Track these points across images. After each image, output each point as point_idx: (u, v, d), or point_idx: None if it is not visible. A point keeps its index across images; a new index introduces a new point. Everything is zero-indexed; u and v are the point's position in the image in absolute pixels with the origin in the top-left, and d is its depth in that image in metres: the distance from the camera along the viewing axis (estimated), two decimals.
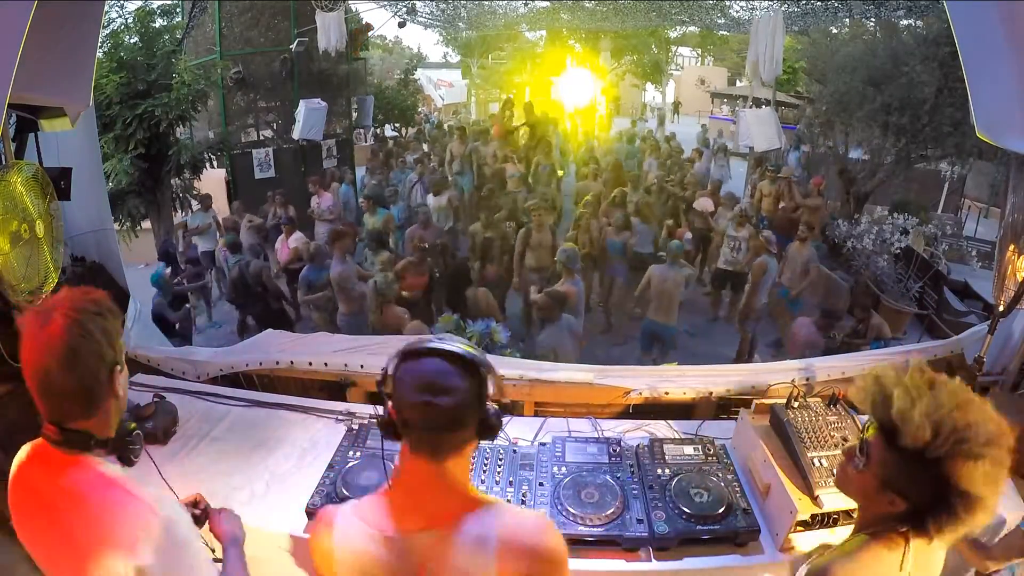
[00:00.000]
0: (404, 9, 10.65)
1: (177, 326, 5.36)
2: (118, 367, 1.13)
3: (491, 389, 1.04)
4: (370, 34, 12.16)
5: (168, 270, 5.82)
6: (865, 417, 1.13)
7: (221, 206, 8.62)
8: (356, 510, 1.11)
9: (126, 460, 1.17)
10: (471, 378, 1.01)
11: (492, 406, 1.06)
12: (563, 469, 1.95)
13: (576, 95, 15.34)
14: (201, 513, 1.37)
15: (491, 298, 5.15)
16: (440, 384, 0.99)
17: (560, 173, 8.45)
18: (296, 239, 6.29)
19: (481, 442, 1.11)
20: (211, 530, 1.36)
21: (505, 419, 2.31)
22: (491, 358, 2.73)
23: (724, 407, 2.56)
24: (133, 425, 1.19)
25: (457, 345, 1.02)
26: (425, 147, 11.12)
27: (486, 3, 12.33)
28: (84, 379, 1.06)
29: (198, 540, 1.15)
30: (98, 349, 1.07)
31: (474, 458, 1.97)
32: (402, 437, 1.04)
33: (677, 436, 2.23)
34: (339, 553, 1.08)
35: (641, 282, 5.18)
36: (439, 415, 0.99)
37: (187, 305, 5.88)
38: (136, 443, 1.20)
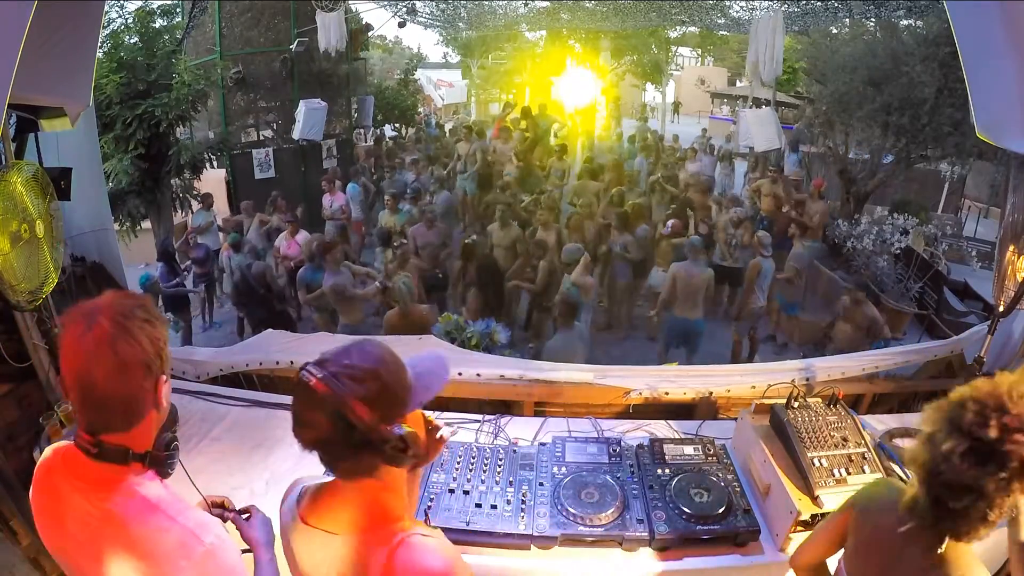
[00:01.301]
0: (404, 9, 10.64)
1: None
2: (163, 377, 1.06)
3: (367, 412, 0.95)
4: (370, 34, 12.16)
5: (158, 274, 5.82)
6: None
7: (221, 206, 8.62)
8: (303, 493, 1.13)
9: (162, 473, 1.12)
10: (334, 409, 0.94)
11: (392, 429, 0.97)
12: (563, 469, 1.95)
13: (576, 95, 15.33)
14: (227, 515, 1.31)
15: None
16: (299, 416, 0.98)
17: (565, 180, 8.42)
18: (303, 237, 6.30)
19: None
20: (242, 537, 1.30)
21: (505, 419, 2.33)
22: (491, 358, 2.72)
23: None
24: (173, 436, 1.14)
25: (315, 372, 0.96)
26: (421, 147, 11.11)
27: (486, 3, 12.32)
28: (129, 389, 1.00)
29: (242, 564, 1.12)
30: (145, 359, 1.00)
31: (474, 458, 1.98)
32: None
33: (677, 436, 2.23)
34: (279, 526, 1.15)
35: (666, 284, 5.08)
36: (305, 444, 0.99)
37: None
38: (174, 456, 1.15)
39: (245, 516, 1.32)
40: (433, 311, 4.41)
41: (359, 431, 0.94)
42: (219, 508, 1.30)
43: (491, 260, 5.29)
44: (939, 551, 1.15)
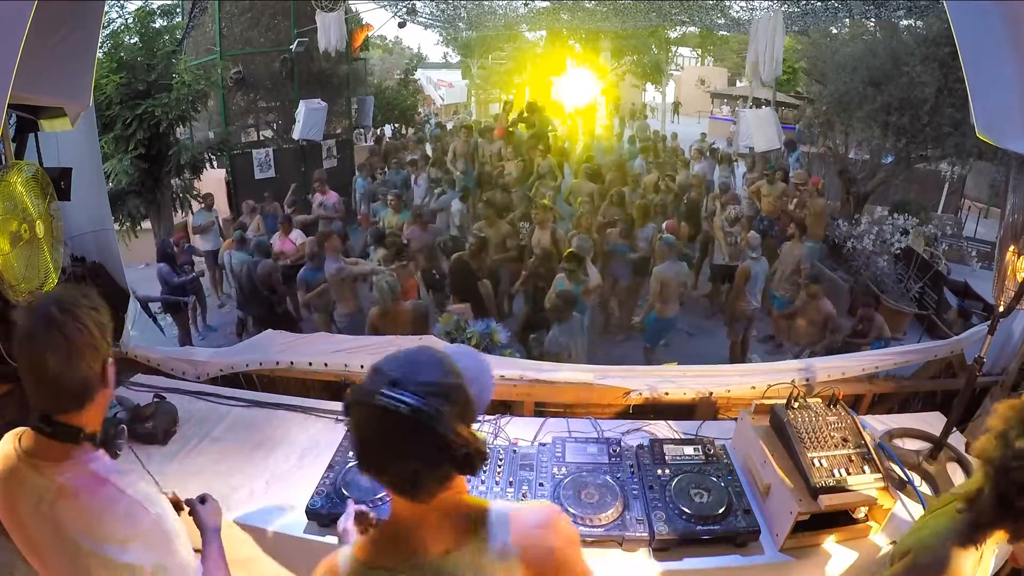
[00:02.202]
0: (404, 9, 10.64)
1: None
2: (109, 359, 1.16)
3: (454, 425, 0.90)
4: (370, 34, 12.16)
5: (163, 273, 5.81)
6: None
7: (221, 207, 8.61)
8: (361, 553, 1.02)
9: (112, 453, 1.22)
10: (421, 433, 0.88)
11: (466, 439, 0.92)
12: (563, 469, 1.95)
13: (576, 95, 15.34)
14: (182, 509, 1.40)
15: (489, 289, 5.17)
16: (392, 449, 0.90)
17: (558, 179, 8.40)
18: (297, 236, 6.32)
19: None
20: (195, 522, 1.39)
21: (504, 419, 2.33)
22: (491, 358, 2.72)
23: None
24: (118, 420, 1.22)
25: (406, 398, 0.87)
26: (429, 148, 11.10)
27: (486, 3, 12.32)
28: (80, 371, 1.09)
29: (185, 534, 1.19)
30: (94, 342, 1.10)
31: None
32: None
33: (677, 436, 2.23)
34: None
35: (652, 288, 5.14)
36: (393, 476, 0.94)
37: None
38: (121, 436, 1.24)
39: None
40: (418, 308, 4.47)
41: (459, 447, 0.90)
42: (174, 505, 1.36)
43: (463, 263, 5.32)
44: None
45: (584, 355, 4.21)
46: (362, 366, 2.59)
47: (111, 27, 7.04)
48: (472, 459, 0.93)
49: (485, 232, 5.85)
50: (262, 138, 10.35)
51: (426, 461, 0.91)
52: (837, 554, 1.76)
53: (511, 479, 1.90)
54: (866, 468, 1.73)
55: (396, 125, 15.92)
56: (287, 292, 5.84)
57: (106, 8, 3.77)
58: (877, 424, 2.33)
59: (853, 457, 1.76)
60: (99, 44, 2.72)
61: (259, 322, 5.69)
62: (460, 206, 7.00)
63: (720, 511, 1.76)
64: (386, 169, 9.31)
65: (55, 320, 1.06)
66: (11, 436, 1.20)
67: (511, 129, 9.98)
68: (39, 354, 1.06)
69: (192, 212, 7.88)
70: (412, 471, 0.91)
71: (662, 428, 2.33)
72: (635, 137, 11.82)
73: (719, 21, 10.92)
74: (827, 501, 1.66)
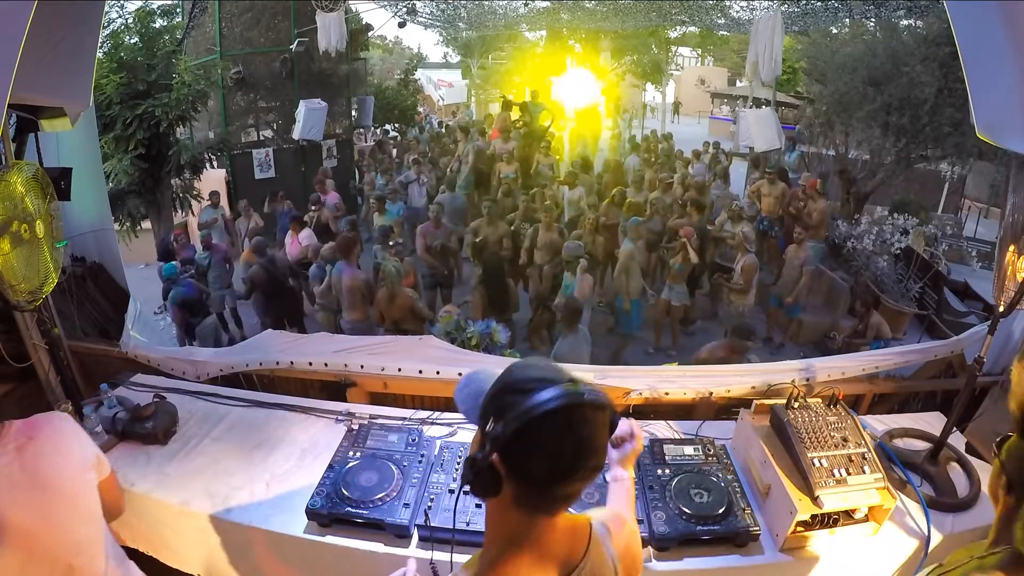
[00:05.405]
0: (404, 9, 10.64)
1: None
2: None
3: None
4: (370, 34, 12.16)
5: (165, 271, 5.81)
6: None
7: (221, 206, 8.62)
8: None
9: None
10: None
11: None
12: None
13: (576, 95, 15.33)
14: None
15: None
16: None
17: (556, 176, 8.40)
18: (306, 236, 6.33)
19: None
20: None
21: None
22: (491, 358, 2.73)
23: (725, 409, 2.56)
24: None
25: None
26: (428, 148, 11.11)
27: (486, 3, 12.32)
28: None
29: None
30: None
31: None
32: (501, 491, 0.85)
33: (677, 436, 2.23)
34: None
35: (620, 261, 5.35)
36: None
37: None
38: None
39: None
40: (421, 301, 4.59)
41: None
42: None
43: (496, 259, 5.32)
44: None
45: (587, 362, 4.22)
46: (362, 366, 2.59)
47: (111, 27, 7.03)
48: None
49: (483, 232, 5.86)
50: (262, 138, 10.35)
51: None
52: (837, 554, 1.76)
53: None
54: (866, 468, 1.74)
55: (396, 125, 15.90)
56: (304, 284, 5.84)
57: (106, 8, 3.77)
58: (877, 424, 2.33)
59: (853, 457, 1.76)
60: (99, 44, 2.72)
61: (276, 324, 5.50)
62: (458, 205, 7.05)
63: (720, 511, 1.76)
64: (375, 170, 9.35)
65: None
66: None
67: (508, 131, 9.95)
68: None
69: (192, 212, 7.88)
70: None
71: (662, 428, 2.33)
72: (632, 136, 11.83)
73: (719, 21, 10.91)
74: (827, 501, 1.66)
